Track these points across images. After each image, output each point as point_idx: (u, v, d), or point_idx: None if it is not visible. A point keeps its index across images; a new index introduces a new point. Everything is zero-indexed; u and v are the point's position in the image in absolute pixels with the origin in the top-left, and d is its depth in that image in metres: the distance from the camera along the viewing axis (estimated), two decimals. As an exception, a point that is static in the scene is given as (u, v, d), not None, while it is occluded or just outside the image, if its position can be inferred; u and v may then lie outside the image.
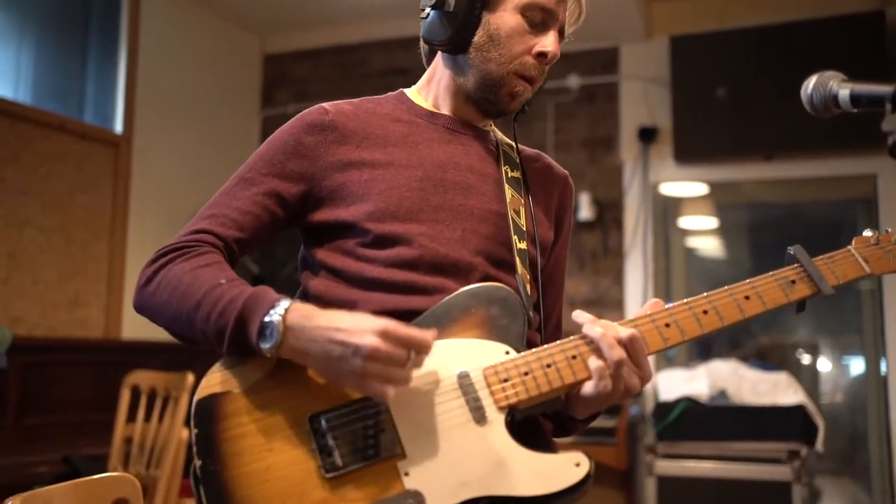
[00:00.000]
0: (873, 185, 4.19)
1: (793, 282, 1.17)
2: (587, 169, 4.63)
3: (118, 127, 4.34)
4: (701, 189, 4.89)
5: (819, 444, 3.84)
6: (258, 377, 1.07)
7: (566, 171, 1.43)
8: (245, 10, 4.83)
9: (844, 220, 5.42)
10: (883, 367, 4.41)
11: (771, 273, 1.18)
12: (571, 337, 1.12)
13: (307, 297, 1.23)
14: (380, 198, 1.19)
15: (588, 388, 1.09)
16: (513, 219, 1.25)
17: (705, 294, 1.16)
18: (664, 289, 4.58)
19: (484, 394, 1.07)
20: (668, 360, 4.63)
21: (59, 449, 3.23)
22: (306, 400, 1.06)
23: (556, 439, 1.27)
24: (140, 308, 1.18)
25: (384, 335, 0.98)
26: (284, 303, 1.05)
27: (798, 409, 3.82)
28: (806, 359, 6.88)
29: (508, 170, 1.31)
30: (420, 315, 1.13)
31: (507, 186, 1.28)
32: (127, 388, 3.35)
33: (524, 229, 1.26)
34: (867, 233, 1.22)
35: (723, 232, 6.65)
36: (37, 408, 3.58)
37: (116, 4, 4.36)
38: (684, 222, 5.60)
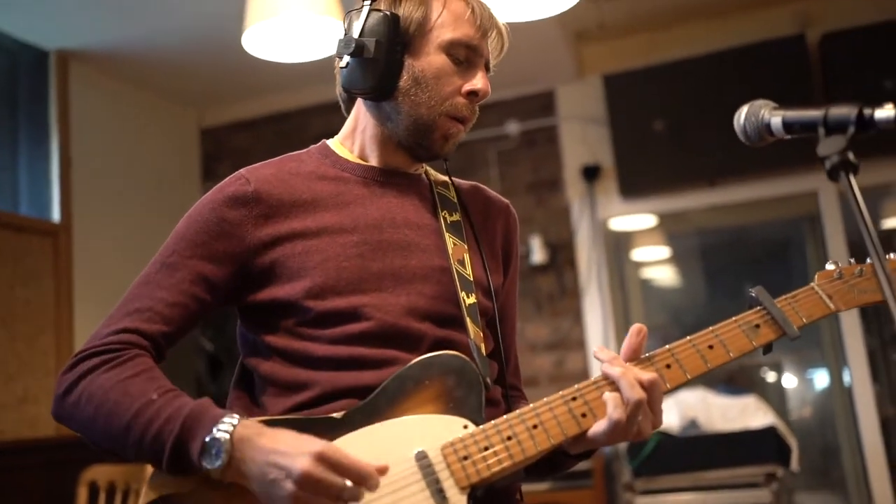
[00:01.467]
0: (816, 202, 4.26)
1: (757, 326, 1.14)
2: (535, 212, 4.64)
3: (55, 216, 4.24)
4: (649, 221, 4.94)
5: (794, 464, 3.84)
6: (204, 478, 1.01)
7: (506, 201, 1.38)
8: (179, 86, 4.79)
9: (792, 238, 5.50)
10: (846, 378, 4.44)
11: (734, 319, 1.15)
12: (531, 405, 1.08)
13: (256, 382, 1.17)
14: (317, 272, 1.13)
15: (600, 426, 1.05)
16: (458, 272, 1.19)
17: (668, 346, 1.12)
18: (623, 323, 4.57)
19: (444, 474, 1.02)
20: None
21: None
22: (249, 500, 0.99)
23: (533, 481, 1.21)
24: (60, 419, 1.10)
25: (320, 459, 0.93)
26: (230, 418, 0.99)
27: (769, 431, 3.82)
28: (771, 377, 6.93)
29: (447, 215, 1.25)
30: (373, 391, 1.08)
31: (447, 235, 1.22)
32: (84, 485, 3.22)
33: (471, 279, 1.20)
34: (830, 266, 1.19)
35: (675, 260, 6.71)
36: (-10, 517, 3.42)
37: (44, 90, 4.28)
38: (637, 255, 5.64)
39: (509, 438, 1.04)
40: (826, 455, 5.47)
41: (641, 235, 5.30)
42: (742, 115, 1.11)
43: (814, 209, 4.31)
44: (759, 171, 4.16)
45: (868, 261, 1.18)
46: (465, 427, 1.05)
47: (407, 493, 1.01)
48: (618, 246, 4.97)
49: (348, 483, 0.93)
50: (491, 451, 1.03)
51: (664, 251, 6.15)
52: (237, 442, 0.96)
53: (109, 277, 4.26)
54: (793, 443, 3.88)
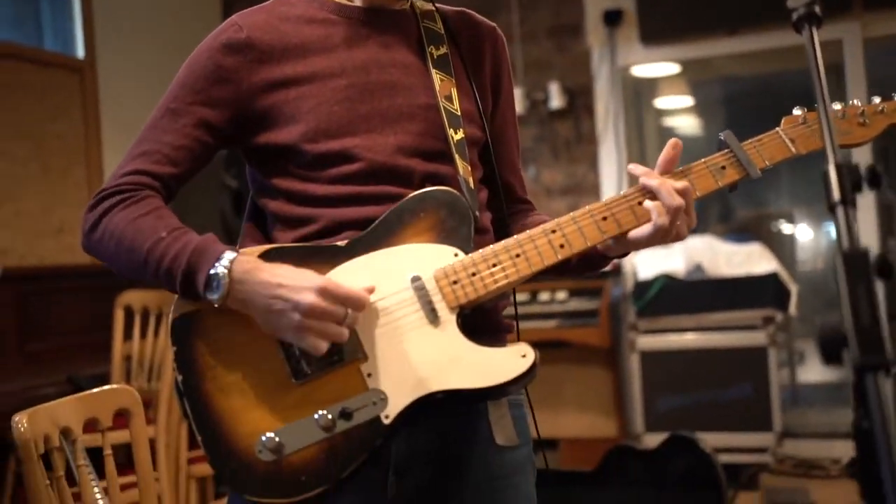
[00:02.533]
0: (839, 51, 4.22)
1: (723, 167, 1.21)
2: (555, 58, 4.62)
3: (80, 52, 4.29)
4: (672, 68, 4.90)
5: (792, 308, 4.00)
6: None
7: (493, 24, 1.39)
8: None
9: (814, 88, 5.42)
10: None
11: (703, 160, 1.22)
12: (515, 238, 1.17)
13: (267, 216, 1.27)
14: (310, 117, 1.19)
15: (644, 231, 1.16)
16: (445, 108, 1.24)
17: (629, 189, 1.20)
18: (639, 171, 4.63)
19: (436, 297, 1.13)
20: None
21: (62, 371, 3.35)
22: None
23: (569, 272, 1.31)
24: (89, 252, 1.22)
25: (323, 293, 1.05)
26: (229, 255, 1.10)
27: (771, 277, 3.96)
28: (787, 228, 7.02)
29: (433, 49, 1.28)
30: (374, 222, 1.17)
31: (434, 72, 1.26)
32: (120, 308, 3.45)
33: (458, 114, 1.25)
34: (796, 111, 1.24)
35: (698, 109, 6.67)
36: (36, 334, 3.69)
37: (64, -78, 4.24)
38: (659, 103, 5.62)
39: (494, 266, 1.15)
40: (831, 305, 5.64)
41: (664, 83, 5.27)
42: None
43: (837, 58, 4.27)
44: (782, 19, 4.08)
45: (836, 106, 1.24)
46: (456, 255, 1.15)
47: (403, 312, 1.13)
48: (638, 93, 4.96)
49: (349, 311, 1.07)
50: (478, 276, 1.14)
51: (687, 100, 6.11)
52: (236, 276, 1.08)
53: (135, 112, 4.35)
54: (793, 288, 4.03)
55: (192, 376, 1.12)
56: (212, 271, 1.09)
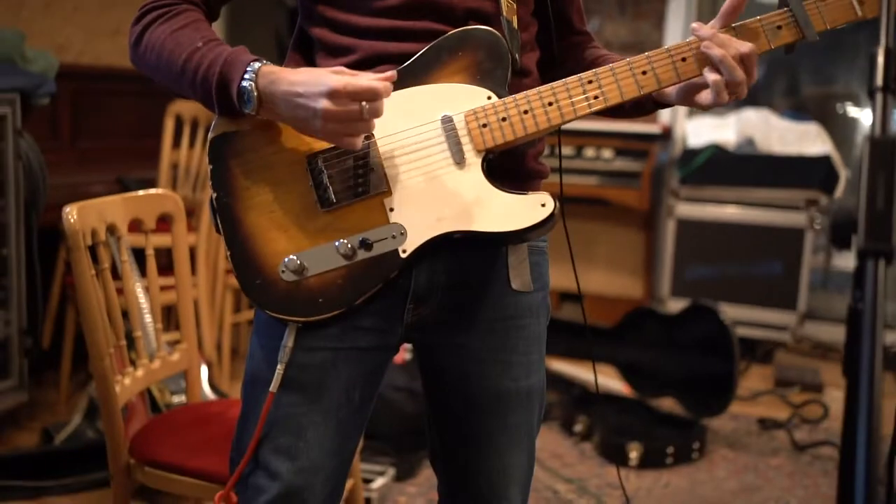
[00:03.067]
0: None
1: (779, 27, 1.15)
2: None
3: None
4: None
5: (838, 192, 3.93)
6: (263, 118, 1.15)
7: None
8: None
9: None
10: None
11: (759, 18, 1.16)
12: (549, 85, 1.16)
13: (313, 42, 1.27)
14: None
15: (706, 97, 1.16)
16: None
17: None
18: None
19: (465, 138, 1.15)
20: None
21: (112, 171, 3.46)
22: (307, 140, 1.16)
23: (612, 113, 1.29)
24: (137, 66, 1.24)
25: (334, 95, 1.06)
26: (254, 65, 1.11)
27: (822, 160, 3.88)
28: (853, 111, 6.77)
29: None
30: (411, 58, 1.17)
31: None
32: (171, 117, 3.52)
33: None
34: None
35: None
36: (88, 132, 3.78)
37: None
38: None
39: (525, 112, 1.15)
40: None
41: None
42: None
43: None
44: None
45: None
46: (489, 98, 1.15)
47: (431, 150, 1.15)
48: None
49: (365, 105, 1.07)
50: (507, 122, 1.15)
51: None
52: (261, 88, 1.10)
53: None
54: (843, 173, 3.95)
55: (225, 194, 1.17)
56: (242, 84, 1.10)
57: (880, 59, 0.85)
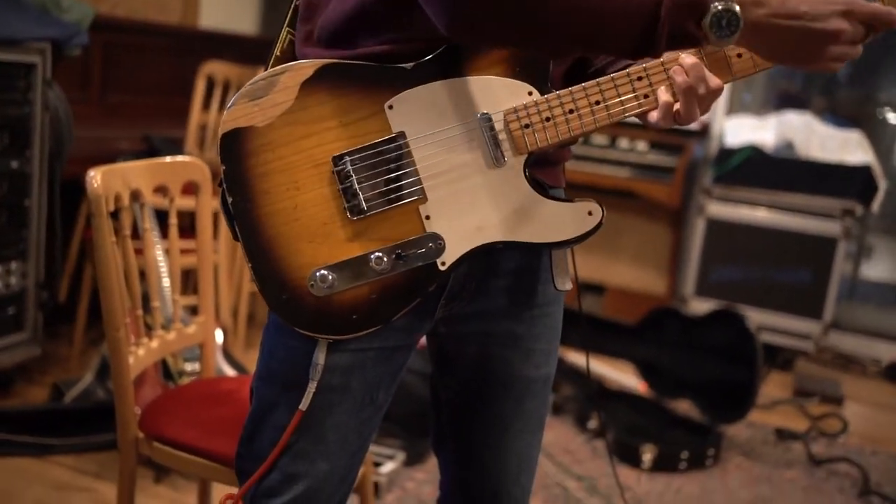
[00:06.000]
0: None
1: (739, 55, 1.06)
2: None
3: None
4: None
5: (875, 205, 3.85)
6: (280, 112, 1.05)
7: None
8: None
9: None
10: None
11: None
12: (595, 81, 1.07)
13: None
14: None
15: (653, 118, 1.08)
16: None
17: None
18: None
19: (505, 139, 1.06)
20: (741, 105, 4.52)
21: (139, 127, 3.42)
22: (329, 139, 1.05)
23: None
24: (472, 14, 0.94)
25: (849, 16, 0.94)
26: None
27: (862, 169, 3.79)
28: (893, 118, 6.62)
29: None
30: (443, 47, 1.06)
31: None
32: (202, 77, 3.46)
33: None
34: None
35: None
36: (118, 86, 3.74)
37: None
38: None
39: (571, 112, 1.06)
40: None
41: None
42: None
43: None
44: None
45: None
46: (530, 94, 1.06)
47: (469, 152, 1.06)
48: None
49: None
50: (552, 122, 1.06)
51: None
52: (746, 9, 0.91)
53: None
54: (882, 184, 3.86)
55: (243, 199, 1.05)
56: (717, 6, 0.91)
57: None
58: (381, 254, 1.05)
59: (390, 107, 1.05)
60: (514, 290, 1.20)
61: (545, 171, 1.16)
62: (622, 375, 3.35)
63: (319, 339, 1.08)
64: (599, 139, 4.12)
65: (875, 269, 6.08)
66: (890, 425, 3.48)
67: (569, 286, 1.24)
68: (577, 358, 3.34)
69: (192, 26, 4.13)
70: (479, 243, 1.07)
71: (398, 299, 1.07)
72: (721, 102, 4.35)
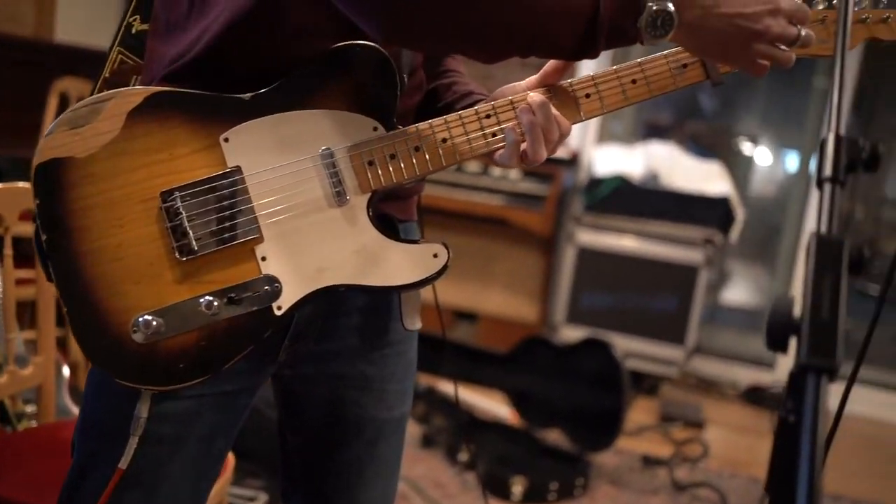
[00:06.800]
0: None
1: (685, 65, 1.07)
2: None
3: None
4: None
5: (734, 235, 4.02)
6: (104, 142, 0.96)
7: None
8: None
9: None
10: (812, 166, 4.55)
11: (664, 54, 1.07)
12: (443, 118, 1.04)
13: None
14: None
15: (499, 157, 1.05)
16: None
17: (591, 75, 1.06)
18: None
19: (348, 176, 1.01)
20: (610, 134, 4.64)
21: (-17, 146, 3.18)
22: (158, 172, 0.97)
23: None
24: (427, 7, 0.92)
25: (777, 14, 0.96)
26: None
27: (721, 200, 3.95)
28: (749, 149, 7.00)
29: None
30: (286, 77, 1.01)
31: None
32: (55, 94, 3.26)
33: None
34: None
35: None
36: (-39, 101, 3.47)
37: None
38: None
39: (416, 149, 1.02)
40: (768, 232, 5.71)
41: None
42: None
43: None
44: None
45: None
46: (375, 129, 1.01)
47: (309, 190, 1.00)
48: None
49: (801, 30, 0.97)
50: (397, 159, 1.01)
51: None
52: (682, 8, 0.93)
53: None
54: (739, 214, 4.03)
55: (60, 236, 0.96)
56: (655, 6, 0.93)
57: (830, 147, 0.78)
58: (212, 297, 0.97)
59: (226, 139, 0.98)
60: (363, 330, 1.14)
61: (395, 205, 1.12)
62: (493, 405, 3.34)
63: (143, 390, 0.99)
64: (472, 166, 4.13)
65: (732, 294, 6.37)
66: (747, 448, 3.62)
67: (418, 325, 1.20)
68: (448, 388, 3.31)
69: (47, 40, 3.89)
70: (319, 286, 1.01)
71: (230, 346, 0.99)
72: (591, 132, 4.46)
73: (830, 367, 0.67)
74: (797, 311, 0.72)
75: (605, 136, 4.56)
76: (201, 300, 0.97)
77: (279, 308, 0.99)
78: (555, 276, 4.23)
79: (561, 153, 4.09)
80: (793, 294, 0.73)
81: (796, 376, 0.71)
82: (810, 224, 4.23)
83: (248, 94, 0.99)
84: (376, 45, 1.00)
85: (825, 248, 0.73)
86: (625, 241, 4.01)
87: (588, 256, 4.04)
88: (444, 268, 1.03)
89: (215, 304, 0.97)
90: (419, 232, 1.21)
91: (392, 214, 1.11)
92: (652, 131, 5.19)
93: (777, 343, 0.74)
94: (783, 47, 0.99)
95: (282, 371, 1.14)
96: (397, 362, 1.19)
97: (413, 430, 3.02)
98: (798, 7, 0.98)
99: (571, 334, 3.79)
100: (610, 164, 4.15)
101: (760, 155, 7.15)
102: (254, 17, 0.96)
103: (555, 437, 3.17)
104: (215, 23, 0.97)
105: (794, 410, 0.71)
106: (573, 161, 4.22)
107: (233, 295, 0.98)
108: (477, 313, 4.18)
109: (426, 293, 1.18)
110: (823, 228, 0.75)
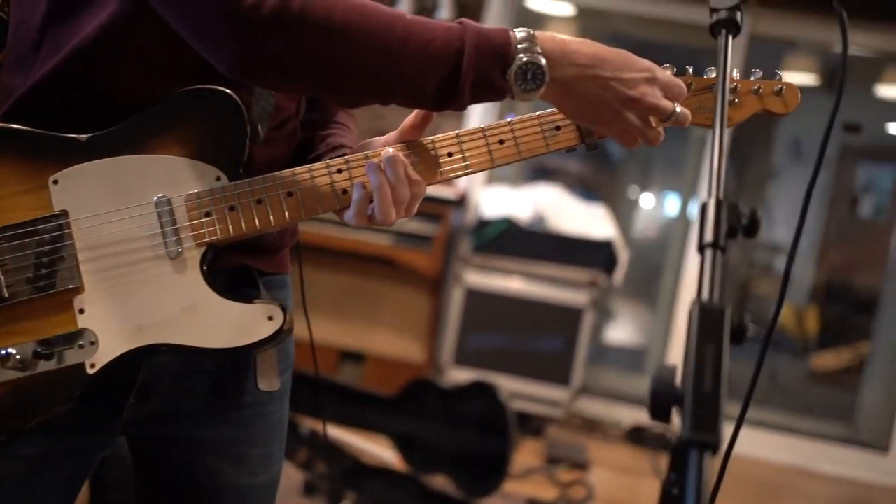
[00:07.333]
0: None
1: (558, 128, 1.02)
2: (454, -32, 4.40)
3: None
4: (567, 9, 4.81)
5: (617, 277, 4.10)
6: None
7: None
8: None
9: (699, 67, 5.50)
10: (691, 209, 4.74)
11: (538, 114, 1.03)
12: (291, 170, 0.99)
13: None
14: None
15: (346, 216, 1.00)
16: None
17: (456, 133, 1.01)
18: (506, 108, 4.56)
19: (183, 227, 0.95)
20: (498, 175, 4.69)
21: None
22: None
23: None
24: (281, 45, 0.86)
25: (653, 83, 0.95)
26: (520, 33, 0.91)
27: (605, 244, 4.04)
28: (633, 192, 7.26)
29: None
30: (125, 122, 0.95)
31: None
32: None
33: None
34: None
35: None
36: None
37: None
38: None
39: (259, 202, 0.96)
40: (650, 272, 5.90)
41: (555, 23, 5.17)
42: None
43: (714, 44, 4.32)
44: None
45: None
46: (218, 179, 0.95)
47: (140, 240, 0.94)
48: (527, 27, 4.83)
49: (677, 107, 0.96)
50: (236, 212, 0.95)
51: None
52: (553, 62, 0.92)
53: None
54: (623, 257, 4.13)
55: None
56: (525, 58, 0.89)
57: (711, 212, 0.77)
58: (14, 350, 0.90)
59: (55, 182, 0.92)
60: (218, 388, 1.07)
61: (259, 258, 1.05)
62: (379, 449, 3.27)
63: None
64: (361, 205, 4.08)
65: (615, 334, 6.53)
66: (630, 488, 3.66)
67: (276, 386, 1.11)
68: (332, 432, 3.21)
69: None
70: (138, 345, 0.94)
71: (34, 406, 0.91)
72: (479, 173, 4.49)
73: (714, 442, 0.66)
74: (679, 380, 0.71)
75: (493, 178, 4.59)
76: (3, 352, 0.90)
77: (92, 366, 0.92)
78: (442, 317, 4.21)
79: (449, 193, 4.09)
80: (674, 364, 0.71)
81: (679, 450, 0.69)
82: (690, 264, 4.37)
83: (86, 136, 0.93)
84: (228, 91, 0.94)
85: (707, 317, 0.71)
86: (512, 283, 4.03)
87: (475, 297, 4.04)
88: (280, 331, 0.96)
89: (17, 357, 0.90)
90: (290, 286, 1.15)
91: (255, 267, 1.04)
92: (538, 173, 5.29)
93: (660, 414, 0.72)
94: (655, 124, 0.97)
95: (131, 431, 1.05)
96: (261, 423, 1.11)
97: (295, 476, 2.91)
98: (675, 82, 0.97)
99: (459, 375, 3.76)
100: (498, 205, 4.18)
101: (643, 198, 7.43)
102: (97, 47, 0.91)
103: (441, 482, 3.11)
104: (59, 54, 0.92)
105: (678, 484, 0.70)
106: (461, 201, 4.23)
107: (41, 349, 0.91)
108: (364, 354, 4.10)
109: (305, 332, 1.11)
110: (705, 295, 0.74)
